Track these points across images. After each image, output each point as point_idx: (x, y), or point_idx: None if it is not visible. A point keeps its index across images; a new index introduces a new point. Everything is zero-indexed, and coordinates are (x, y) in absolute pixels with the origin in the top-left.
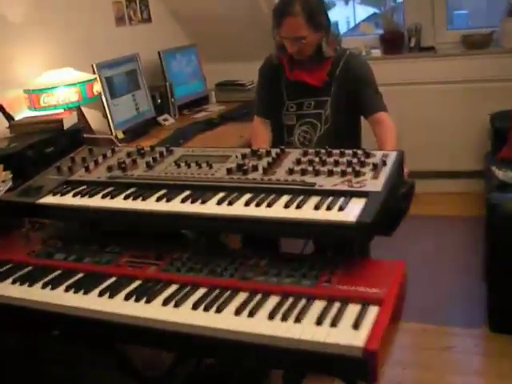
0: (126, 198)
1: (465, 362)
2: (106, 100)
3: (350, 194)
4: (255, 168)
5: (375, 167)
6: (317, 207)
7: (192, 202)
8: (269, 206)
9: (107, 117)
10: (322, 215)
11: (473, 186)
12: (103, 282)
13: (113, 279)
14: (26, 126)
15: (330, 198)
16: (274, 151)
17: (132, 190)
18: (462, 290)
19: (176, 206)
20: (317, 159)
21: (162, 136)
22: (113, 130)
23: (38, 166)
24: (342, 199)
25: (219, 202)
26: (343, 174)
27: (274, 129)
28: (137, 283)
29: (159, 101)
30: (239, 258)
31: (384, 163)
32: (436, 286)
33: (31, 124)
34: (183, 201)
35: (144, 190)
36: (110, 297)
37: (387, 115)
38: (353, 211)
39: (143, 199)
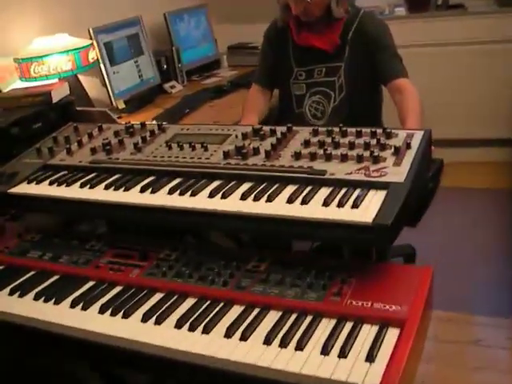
0: (106, 187)
1: (495, 358)
2: (105, 67)
3: (367, 186)
4: (257, 151)
5: (397, 151)
6: (326, 203)
7: (180, 194)
8: (269, 199)
9: (106, 86)
10: (332, 213)
11: (504, 155)
12: (78, 287)
13: (90, 284)
14: (11, 100)
15: (343, 191)
16: (279, 130)
17: (116, 176)
18: (492, 274)
19: (162, 198)
20: (329, 140)
21: (167, 105)
22: (113, 100)
23: (25, 144)
24: (357, 192)
25: (212, 194)
26: (359, 159)
27: (283, 100)
28: (116, 290)
29: (165, 67)
30: (236, 260)
31: (408, 146)
32: (462, 268)
33: (17, 98)
34: (171, 192)
35: (129, 176)
36: (84, 308)
37: (408, 81)
38: (369, 209)
39: (126, 189)
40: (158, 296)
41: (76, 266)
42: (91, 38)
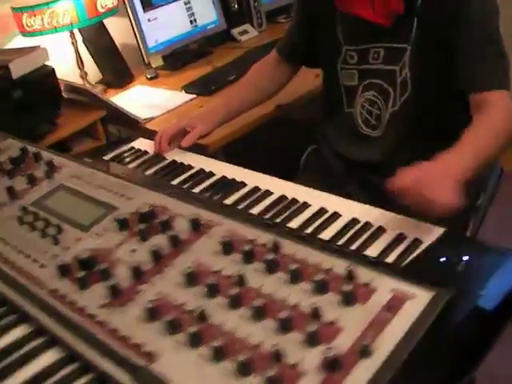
0: None
1: None
2: (134, 14)
3: None
4: (106, 275)
5: (332, 366)
6: None
7: None
8: None
9: (136, 38)
10: None
11: None
12: None
13: None
14: None
15: None
16: (179, 223)
17: None
18: None
19: None
20: (234, 274)
21: (219, 62)
22: (144, 57)
23: None
24: None
25: None
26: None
27: (329, 91)
28: None
29: (236, 7)
30: None
31: (364, 352)
32: None
33: None
34: None
35: None
36: None
37: (506, 96)
38: None
39: None
40: None
41: None
42: None
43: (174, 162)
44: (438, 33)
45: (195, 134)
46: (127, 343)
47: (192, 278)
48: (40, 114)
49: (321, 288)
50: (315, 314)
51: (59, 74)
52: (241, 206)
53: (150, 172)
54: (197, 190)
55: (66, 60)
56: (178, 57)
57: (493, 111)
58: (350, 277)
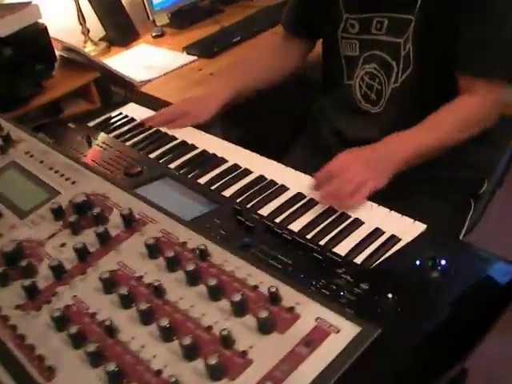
0: None
1: None
2: None
3: None
4: (30, 271)
5: None
6: None
7: None
8: None
9: None
10: None
11: None
12: None
13: None
14: None
15: None
16: (115, 220)
17: None
18: None
19: None
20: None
21: (228, 22)
22: (149, 14)
23: None
24: None
25: None
26: None
27: (328, 62)
28: None
29: None
30: None
31: None
32: None
33: None
34: None
35: None
36: None
37: (494, 88)
38: None
39: None
40: None
41: None
42: None
43: (157, 131)
44: (442, 6)
45: (184, 123)
46: (31, 354)
47: (109, 285)
48: (31, 73)
49: (239, 309)
50: (226, 340)
51: (60, 31)
52: (214, 186)
53: (130, 143)
54: (173, 165)
55: (68, 16)
56: (185, 15)
57: (473, 100)
58: (273, 299)
